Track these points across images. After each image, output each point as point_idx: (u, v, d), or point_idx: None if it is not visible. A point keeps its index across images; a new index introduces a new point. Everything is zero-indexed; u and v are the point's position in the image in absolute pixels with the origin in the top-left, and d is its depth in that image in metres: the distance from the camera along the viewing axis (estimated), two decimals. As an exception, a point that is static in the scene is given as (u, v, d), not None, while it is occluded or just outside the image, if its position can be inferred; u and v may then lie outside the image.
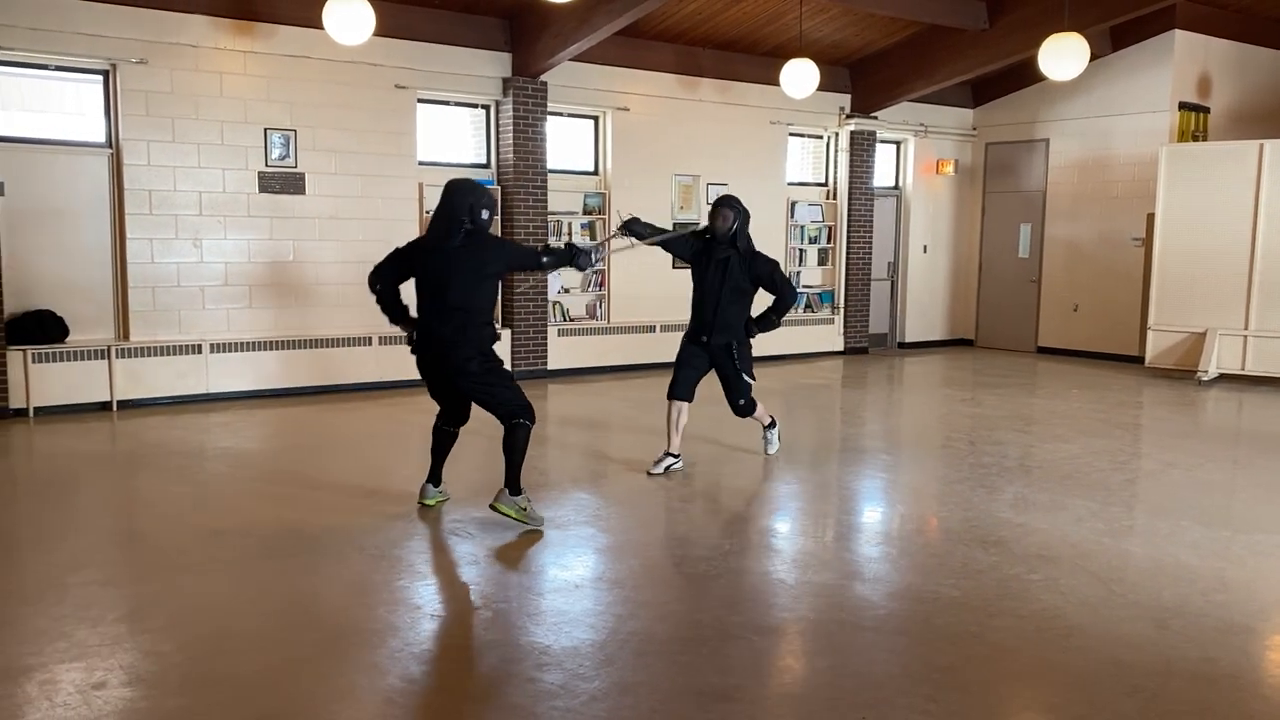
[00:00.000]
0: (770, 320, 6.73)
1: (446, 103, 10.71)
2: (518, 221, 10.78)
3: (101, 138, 8.94)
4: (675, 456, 6.74)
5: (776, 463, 7.14)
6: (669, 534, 5.66)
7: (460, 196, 5.20)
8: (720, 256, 6.56)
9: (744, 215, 6.61)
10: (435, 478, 5.71)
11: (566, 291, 11.50)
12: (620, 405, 9.94)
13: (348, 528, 5.40)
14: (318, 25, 8.45)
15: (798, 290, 13.18)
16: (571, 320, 11.56)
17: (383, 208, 10.14)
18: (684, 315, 11.51)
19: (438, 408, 5.62)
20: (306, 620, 4.16)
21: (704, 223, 7.08)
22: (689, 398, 6.76)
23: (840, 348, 13.83)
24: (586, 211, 11.59)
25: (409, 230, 10.30)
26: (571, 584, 4.64)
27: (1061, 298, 13.88)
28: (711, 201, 7.07)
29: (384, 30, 9.76)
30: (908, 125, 14.06)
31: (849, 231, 13.69)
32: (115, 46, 8.73)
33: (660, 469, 6.67)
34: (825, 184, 13.79)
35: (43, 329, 8.57)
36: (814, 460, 7.48)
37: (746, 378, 6.77)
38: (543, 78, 10.79)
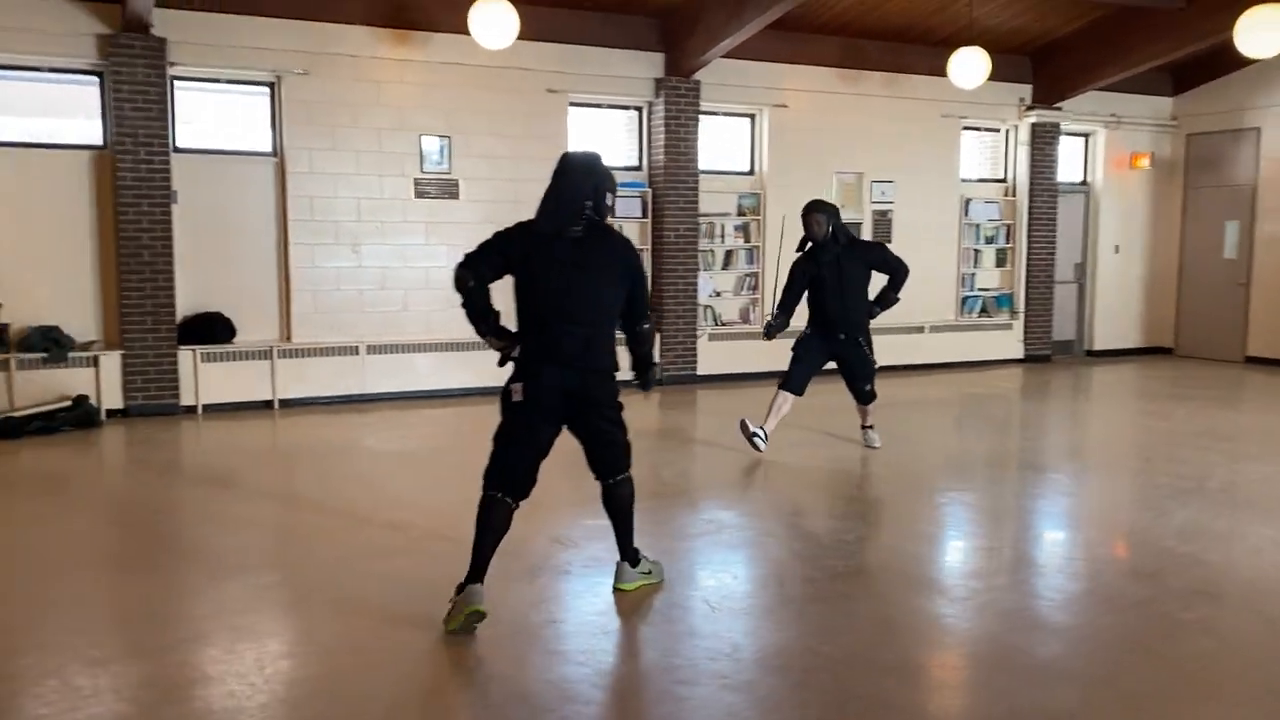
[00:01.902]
0: (890, 298, 7.24)
1: (598, 105, 10.66)
2: (668, 224, 10.61)
3: (268, 147, 9.35)
4: (765, 436, 7.07)
5: (938, 476, 6.68)
6: (818, 548, 5.28)
7: (582, 175, 4.04)
8: (829, 258, 6.92)
9: (835, 213, 7.00)
10: (482, 573, 3.99)
11: (718, 295, 11.24)
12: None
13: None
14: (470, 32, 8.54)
15: (977, 294, 12.53)
16: (723, 324, 11.28)
17: (533, 212, 10.14)
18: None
19: (503, 466, 4.05)
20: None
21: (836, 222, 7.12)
22: (801, 393, 7.18)
23: (1019, 355, 12.94)
24: (740, 213, 11.29)
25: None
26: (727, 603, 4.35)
27: (1275, 303, 12.51)
28: (803, 210, 7.07)
29: (535, 34, 9.84)
30: (1096, 116, 13.02)
31: (1030, 231, 12.80)
32: (280, 59, 9.11)
33: (755, 429, 7.04)
34: (1003, 180, 12.95)
35: (211, 330, 9.02)
36: (971, 476, 6.93)
37: (873, 359, 7.25)
38: (695, 77, 10.58)
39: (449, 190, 9.84)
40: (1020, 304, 12.91)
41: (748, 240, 11.33)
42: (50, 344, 8.37)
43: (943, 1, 10.65)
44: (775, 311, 7.22)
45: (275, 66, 9.12)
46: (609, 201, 4.09)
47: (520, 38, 9.60)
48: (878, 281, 7.27)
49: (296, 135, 9.27)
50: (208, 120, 9.27)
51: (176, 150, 8.95)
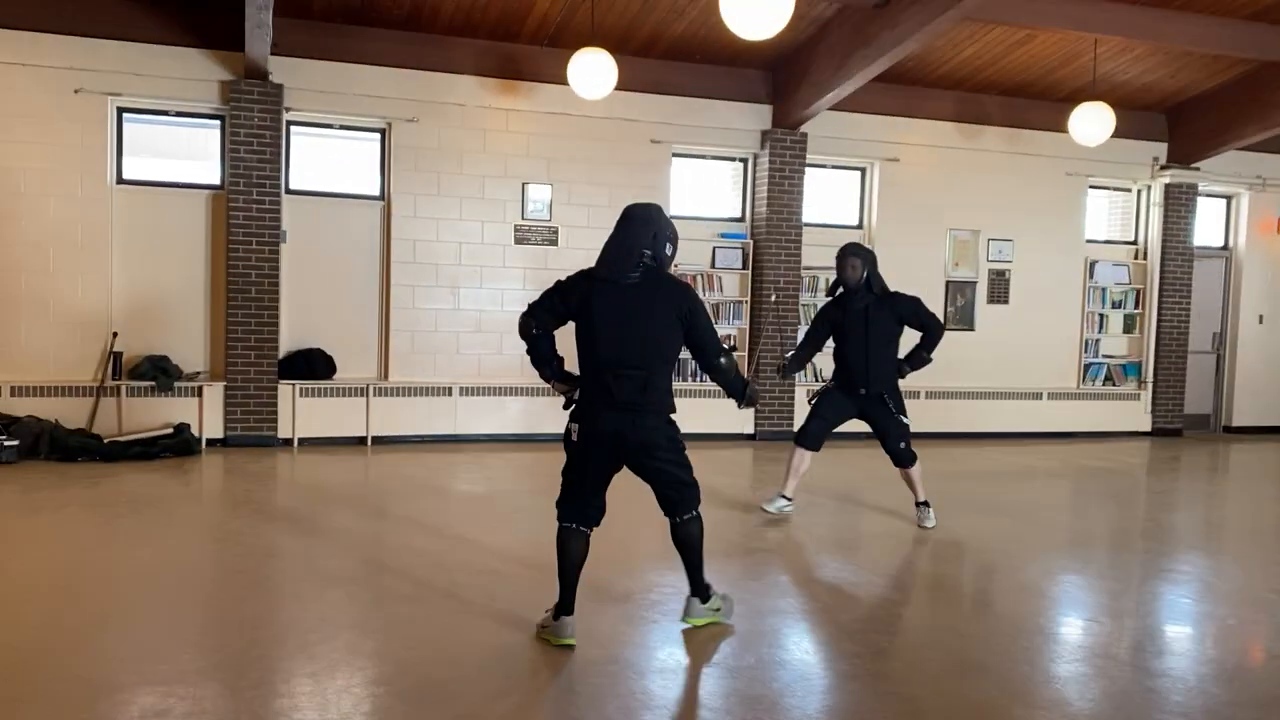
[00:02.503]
0: (921, 357, 6.72)
1: (702, 156, 10.60)
2: (767, 276, 10.42)
3: (376, 190, 9.63)
4: (789, 500, 6.77)
5: (1026, 553, 6.24)
6: (917, 625, 4.98)
7: (641, 225, 4.20)
8: (858, 306, 6.53)
9: (871, 259, 6.60)
10: (571, 604, 4.24)
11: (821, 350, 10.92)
12: (870, 478, 9.22)
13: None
14: (575, 82, 8.65)
15: (1101, 361, 11.90)
16: (825, 380, 10.94)
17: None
18: (958, 381, 10.90)
19: (571, 498, 4.26)
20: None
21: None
22: (817, 448, 6.82)
23: (1147, 428, 12.16)
24: (848, 268, 10.99)
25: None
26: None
27: None
28: (839, 253, 6.74)
29: (640, 86, 9.93)
30: (1240, 178, 12.25)
31: (1161, 296, 12.08)
32: (391, 106, 9.40)
33: (774, 508, 6.72)
34: (1134, 242, 12.28)
35: (310, 366, 9.28)
36: (1065, 556, 6.45)
37: (903, 419, 6.67)
38: (803, 129, 10.42)
39: (549, 238, 9.92)
40: (1149, 373, 12.16)
41: (853, 296, 11.01)
42: (159, 373, 8.75)
43: (1066, 55, 10.23)
44: (791, 353, 7.00)
45: (386, 114, 9.40)
46: (668, 251, 4.27)
47: (625, 89, 9.73)
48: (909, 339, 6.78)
49: (403, 180, 9.52)
50: (319, 164, 9.61)
51: (289, 192, 9.31)
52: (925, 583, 5.79)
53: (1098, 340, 12.05)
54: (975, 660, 4.34)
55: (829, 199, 11.07)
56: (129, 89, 8.72)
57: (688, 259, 10.37)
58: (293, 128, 9.35)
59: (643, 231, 4.19)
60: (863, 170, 11.12)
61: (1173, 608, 5.34)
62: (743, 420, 10.48)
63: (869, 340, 6.52)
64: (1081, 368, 11.93)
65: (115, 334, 8.79)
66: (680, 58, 10.06)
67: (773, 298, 6.91)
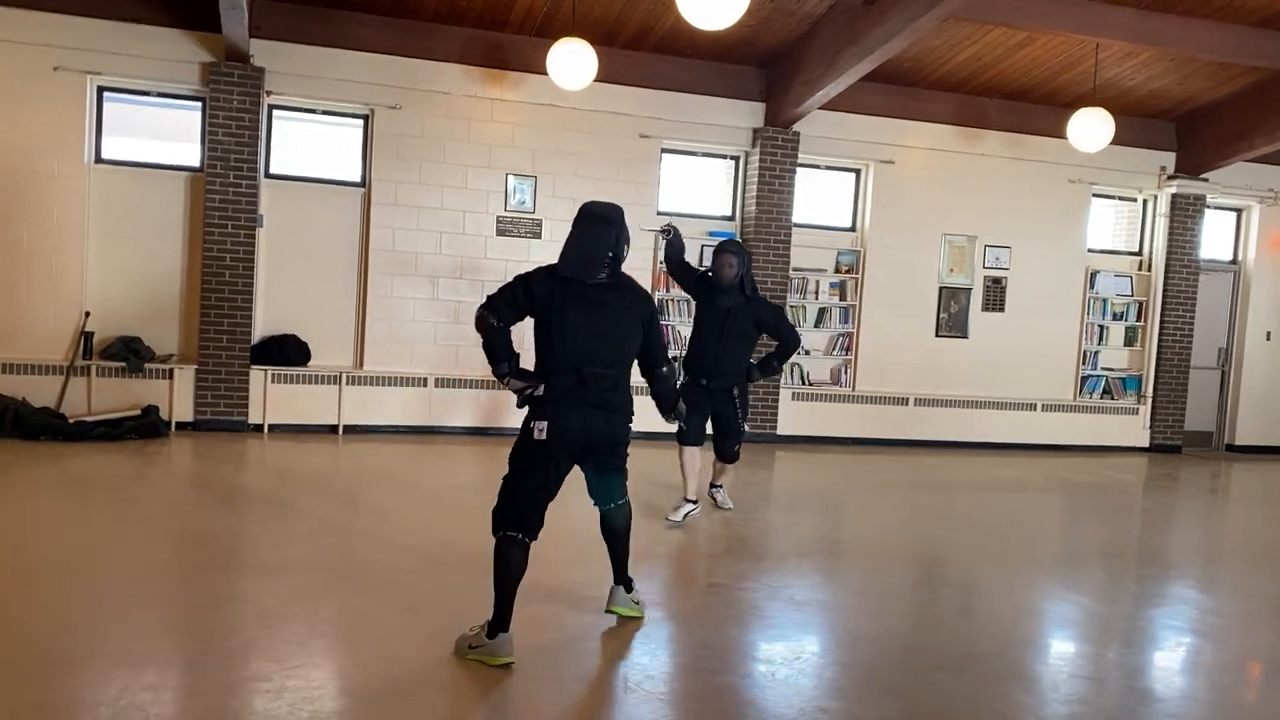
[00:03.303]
0: (773, 366, 6.72)
1: (693, 153, 10.43)
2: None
3: (357, 177, 9.53)
4: (694, 503, 6.56)
5: (1041, 570, 6.05)
6: (899, 632, 4.81)
7: (606, 225, 4.17)
8: (725, 305, 6.41)
9: (748, 259, 6.51)
10: (509, 619, 3.95)
11: (808, 353, 10.74)
12: (856, 483, 9.05)
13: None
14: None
15: (1100, 373, 11.64)
16: (811, 384, 10.78)
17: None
18: (949, 388, 10.70)
19: (518, 504, 4.01)
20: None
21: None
22: (700, 442, 6.56)
23: (1145, 444, 11.88)
24: (838, 270, 10.80)
25: (641, 281, 10.11)
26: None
27: None
28: (717, 249, 6.57)
29: (632, 79, 9.80)
30: (1251, 190, 11.93)
31: (1165, 309, 11.79)
32: (374, 93, 9.30)
33: (680, 516, 6.48)
34: (1138, 253, 11.99)
35: (284, 352, 9.20)
36: (1059, 576, 6.25)
37: (744, 425, 6.70)
38: (796, 128, 10.23)
39: (532, 230, 9.79)
40: (1150, 388, 11.87)
41: (844, 298, 10.82)
42: (130, 354, 8.70)
43: (1069, 60, 9.97)
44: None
45: (369, 100, 9.31)
46: (625, 253, 4.25)
47: (614, 82, 9.63)
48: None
49: (384, 167, 9.42)
50: (301, 149, 9.53)
51: (269, 176, 9.24)
52: (994, 607, 5.61)
53: (1097, 352, 11.77)
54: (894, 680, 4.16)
55: (821, 200, 10.87)
56: (109, 68, 8.68)
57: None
58: (275, 112, 9.28)
59: (608, 232, 4.17)
60: (857, 172, 10.91)
61: (1148, 634, 5.14)
62: (725, 422, 10.29)
63: (723, 337, 6.43)
64: (1079, 380, 11.66)
65: (88, 313, 8.75)
66: (671, 52, 9.90)
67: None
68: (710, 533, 6.54)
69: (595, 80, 9.21)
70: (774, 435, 10.43)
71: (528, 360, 4.12)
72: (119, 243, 8.90)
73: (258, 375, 9.09)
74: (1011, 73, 10.37)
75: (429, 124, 9.47)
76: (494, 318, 4.10)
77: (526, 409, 4.16)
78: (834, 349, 10.87)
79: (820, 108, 9.99)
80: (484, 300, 4.15)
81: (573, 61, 8.20)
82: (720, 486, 7.10)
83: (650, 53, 9.85)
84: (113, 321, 8.86)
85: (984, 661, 4.36)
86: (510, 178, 9.72)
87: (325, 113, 9.44)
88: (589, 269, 4.12)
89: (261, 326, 9.27)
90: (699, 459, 6.59)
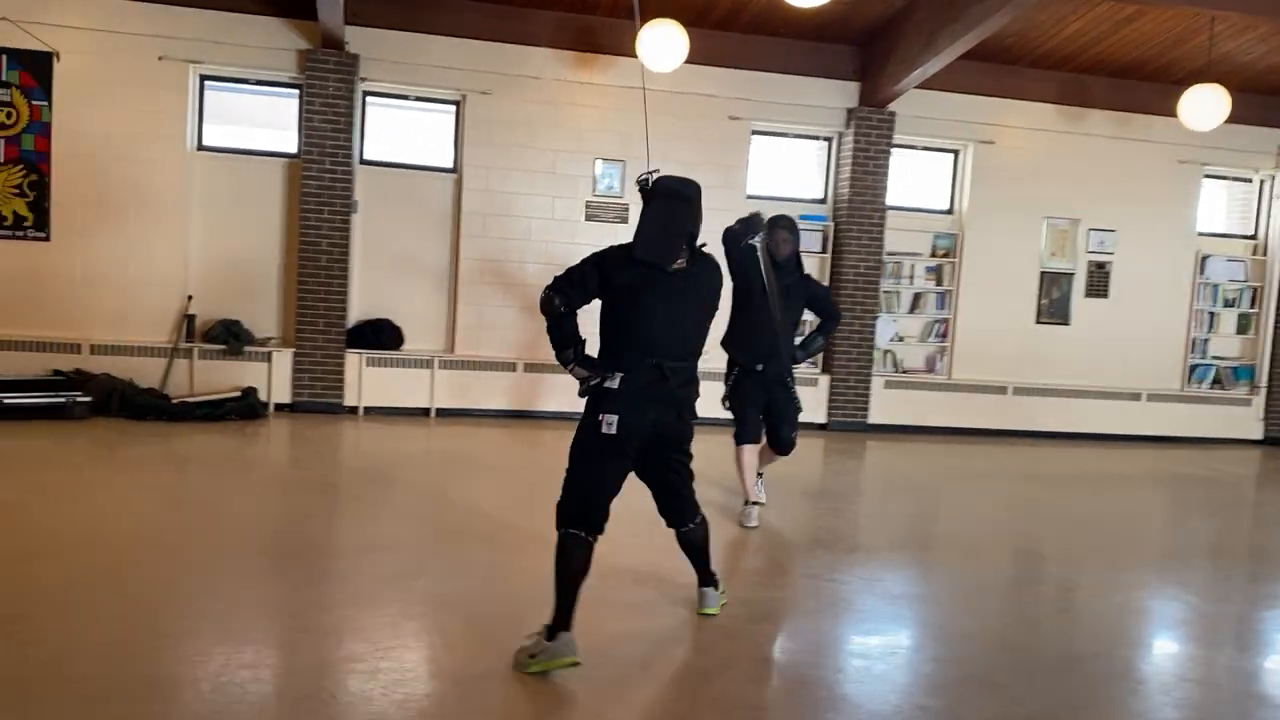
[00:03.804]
0: (818, 345, 6.42)
1: (784, 135, 10.26)
2: (847, 261, 10.05)
3: (449, 163, 9.60)
4: (760, 503, 6.26)
5: (1146, 567, 5.83)
6: (996, 629, 4.70)
7: (686, 204, 3.86)
8: (783, 283, 5.87)
9: (799, 237, 6.12)
10: (571, 619, 3.71)
11: (901, 340, 10.51)
12: (951, 473, 8.84)
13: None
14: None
15: (1210, 362, 11.20)
16: (904, 372, 10.54)
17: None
18: (1049, 377, 10.35)
19: (583, 500, 3.81)
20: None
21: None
22: (759, 439, 6.16)
23: (1259, 436, 11.34)
24: (934, 254, 10.53)
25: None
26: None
27: None
28: (770, 222, 5.89)
29: (722, 60, 9.68)
30: (1380, 169, 11.28)
31: (1281, 295, 11.24)
32: (465, 78, 9.35)
33: (754, 522, 6.11)
34: (1253, 237, 11.43)
35: (378, 336, 9.33)
36: (1165, 573, 6.01)
37: (799, 405, 6.19)
38: (891, 108, 9.98)
39: (620, 215, 9.75)
40: (1264, 378, 11.32)
41: (940, 283, 10.55)
42: (230, 337, 8.92)
43: (1180, 34, 9.52)
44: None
45: (460, 85, 9.36)
46: (698, 233, 3.94)
47: (704, 63, 9.51)
48: None
49: (475, 153, 9.47)
50: (396, 135, 9.63)
51: (363, 162, 9.37)
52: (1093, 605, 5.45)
53: (1206, 340, 11.28)
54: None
55: (917, 182, 10.60)
56: (210, 57, 8.88)
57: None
58: (369, 98, 9.40)
59: (689, 212, 3.88)
60: (955, 153, 10.60)
61: (1263, 636, 4.89)
62: (816, 409, 10.14)
63: (783, 319, 5.92)
64: (1186, 369, 11.18)
65: (190, 297, 8.99)
66: (763, 31, 9.73)
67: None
68: (799, 524, 6.44)
69: (685, 62, 9.12)
70: (864, 424, 10.24)
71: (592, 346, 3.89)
72: (220, 228, 9.12)
73: (353, 359, 9.24)
74: (1119, 48, 9.94)
75: (519, 109, 9.48)
76: (561, 301, 3.83)
77: (587, 398, 3.89)
78: (929, 335, 10.61)
79: (917, 87, 9.72)
80: (550, 282, 3.87)
81: (663, 43, 8.10)
82: (760, 475, 6.49)
83: (742, 33, 9.70)
84: (214, 305, 9.09)
85: (1087, 661, 4.18)
86: (599, 162, 9.69)
87: (418, 99, 9.52)
88: (668, 253, 3.82)
89: (357, 311, 9.42)
90: (756, 457, 6.22)
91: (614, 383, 3.80)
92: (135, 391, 8.42)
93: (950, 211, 10.67)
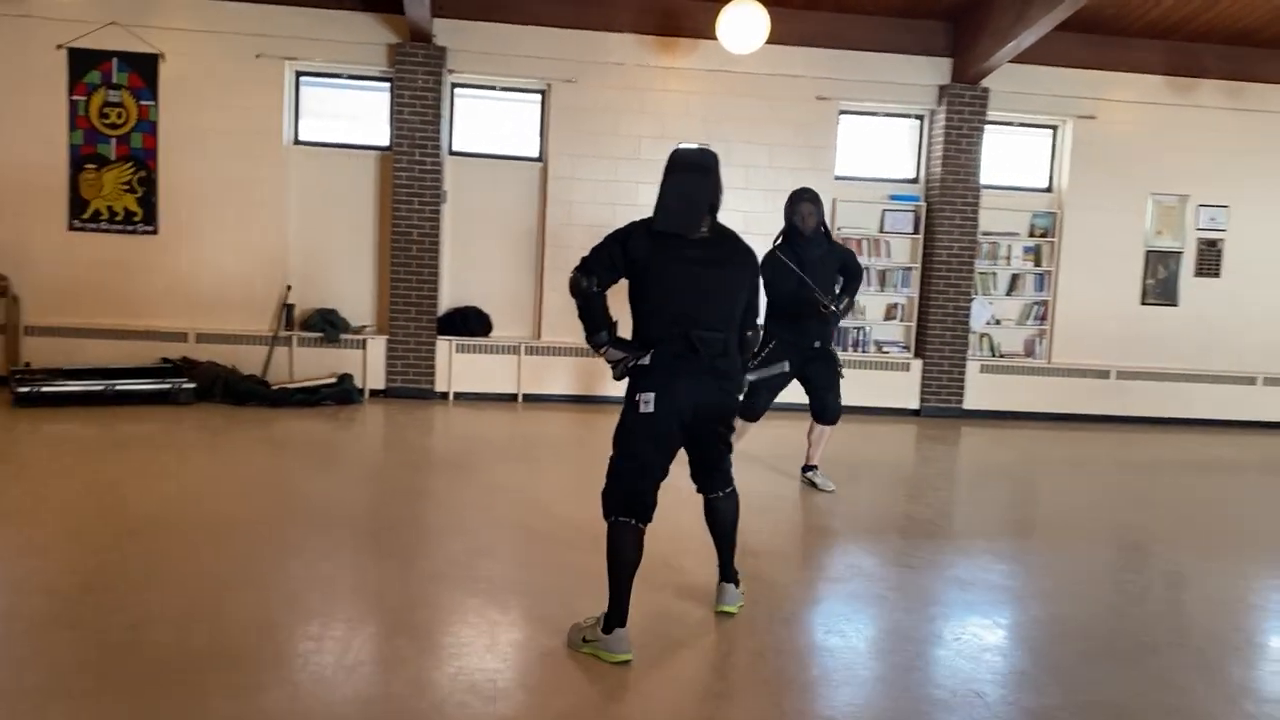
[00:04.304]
0: (850, 304, 6.36)
1: (874, 114, 10.05)
2: (940, 241, 9.80)
3: (535, 152, 9.71)
4: (815, 467, 6.62)
5: (1250, 558, 5.58)
6: (1072, 616, 4.60)
7: (704, 174, 3.85)
8: (815, 254, 6.08)
9: (822, 206, 6.21)
10: (626, 612, 3.73)
11: (997, 323, 10.21)
12: (1048, 460, 8.58)
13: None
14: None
15: None
16: (1002, 356, 10.24)
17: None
18: (1156, 361, 9.96)
19: (631, 487, 3.74)
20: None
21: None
22: (756, 419, 6.40)
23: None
24: (1032, 233, 10.19)
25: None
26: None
27: None
28: (792, 198, 6.20)
29: (809, 40, 9.56)
30: None
31: None
32: (550, 67, 9.43)
33: (830, 485, 6.50)
34: (1384, 211, 10.73)
35: (467, 324, 9.52)
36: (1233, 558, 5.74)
37: (843, 372, 6.48)
38: (984, 84, 9.69)
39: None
40: (1395, 360, 10.64)
41: (1038, 264, 10.21)
42: (327, 325, 9.21)
43: (1300, -5, 8.99)
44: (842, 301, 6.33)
45: (545, 74, 9.44)
46: (720, 202, 3.91)
47: (790, 43, 9.42)
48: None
49: (560, 141, 9.55)
50: (483, 125, 9.77)
51: (452, 153, 9.54)
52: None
53: (1325, 324, 10.65)
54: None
55: (1015, 160, 10.27)
56: (304, 53, 9.16)
57: (854, 222, 9.92)
58: (457, 90, 9.56)
59: (707, 182, 3.85)
60: (1054, 129, 10.23)
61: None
62: (908, 395, 9.95)
63: (827, 291, 6.11)
64: (1308, 351, 10.59)
65: (289, 287, 9.31)
66: (850, 9, 9.55)
67: None
68: (879, 510, 6.33)
69: (770, 42, 9.03)
70: (959, 410, 9.99)
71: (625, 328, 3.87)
72: (316, 220, 9.42)
73: (443, 345, 9.43)
74: (1232, 14, 9.42)
75: (603, 96, 9.52)
76: (590, 281, 3.83)
77: (627, 381, 3.84)
78: (1028, 318, 10.28)
79: (1013, 61, 9.41)
80: (577, 263, 3.89)
81: (743, 24, 8.05)
82: (815, 467, 6.62)
83: (828, 11, 9.54)
84: (312, 294, 9.40)
85: (1162, 652, 4.01)
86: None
87: (505, 89, 9.65)
88: (689, 223, 3.78)
89: (447, 299, 9.62)
90: (820, 431, 6.52)
91: (646, 360, 3.76)
92: (237, 378, 8.76)
93: (1049, 190, 10.30)
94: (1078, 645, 4.07)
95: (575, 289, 3.88)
